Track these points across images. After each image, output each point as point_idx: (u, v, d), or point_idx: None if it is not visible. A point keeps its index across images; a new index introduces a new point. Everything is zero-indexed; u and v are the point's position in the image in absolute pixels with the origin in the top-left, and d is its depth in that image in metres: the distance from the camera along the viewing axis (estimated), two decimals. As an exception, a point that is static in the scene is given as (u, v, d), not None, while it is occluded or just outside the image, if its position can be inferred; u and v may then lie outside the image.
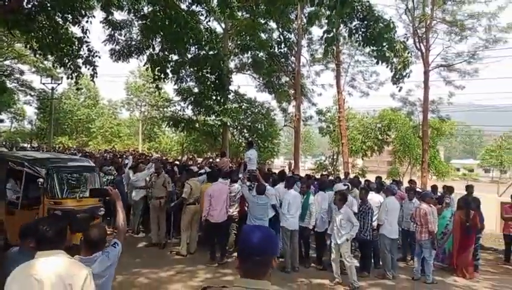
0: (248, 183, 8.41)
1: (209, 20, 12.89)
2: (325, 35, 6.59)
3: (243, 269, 1.60)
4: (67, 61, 11.07)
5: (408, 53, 8.93)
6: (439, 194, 9.61)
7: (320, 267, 7.67)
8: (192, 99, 18.26)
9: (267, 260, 1.60)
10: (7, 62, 30.64)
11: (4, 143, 40.08)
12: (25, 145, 38.15)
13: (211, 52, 10.56)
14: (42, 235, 2.42)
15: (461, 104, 30.13)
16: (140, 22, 12.79)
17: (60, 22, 10.35)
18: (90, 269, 2.44)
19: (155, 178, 8.88)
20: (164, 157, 24.31)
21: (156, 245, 8.55)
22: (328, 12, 6.75)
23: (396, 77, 8.88)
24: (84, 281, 2.32)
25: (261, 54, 19.51)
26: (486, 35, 18.37)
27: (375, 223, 7.34)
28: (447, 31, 19.37)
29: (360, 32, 8.49)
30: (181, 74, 14.50)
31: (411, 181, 11.20)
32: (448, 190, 9.46)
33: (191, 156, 22.06)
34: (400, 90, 9.11)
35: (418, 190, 9.87)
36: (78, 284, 2.30)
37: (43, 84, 30.99)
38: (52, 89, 30.92)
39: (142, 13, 12.14)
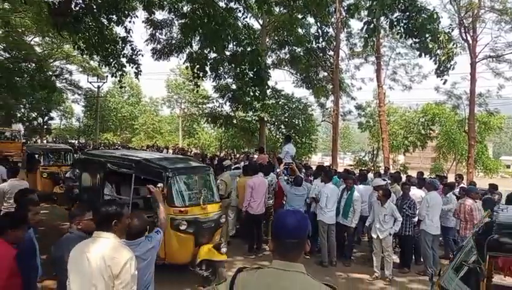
0: (285, 177, 8.50)
1: (247, 17, 13.02)
2: (366, 26, 6.47)
3: (277, 251, 1.65)
4: (111, 60, 11.53)
5: (453, 44, 8.58)
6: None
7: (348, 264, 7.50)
8: (230, 95, 18.52)
9: (300, 242, 1.64)
10: (56, 63, 32.40)
11: (55, 139, 42.51)
12: (73, 141, 40.20)
13: (248, 49, 10.63)
14: (98, 215, 2.63)
15: (512, 96, 28.41)
16: (180, 20, 13.15)
17: (105, 23, 10.78)
18: (133, 254, 2.56)
19: None
20: (204, 153, 24.85)
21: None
22: (368, 3, 6.63)
23: (441, 69, 8.55)
24: (123, 265, 2.43)
25: (299, 49, 19.39)
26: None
27: (415, 219, 7.15)
28: (496, 20, 18.35)
29: (402, 24, 8.23)
30: (219, 71, 14.75)
31: (459, 176, 10.81)
32: (493, 187, 9.05)
33: (230, 152, 22.40)
34: (444, 83, 8.79)
35: (462, 185, 9.48)
36: (117, 266, 2.42)
37: (90, 83, 32.60)
38: (98, 87, 32.37)
39: (181, 12, 12.46)
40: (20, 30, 21.74)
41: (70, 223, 3.28)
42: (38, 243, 3.85)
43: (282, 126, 23.52)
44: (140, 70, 11.88)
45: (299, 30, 18.45)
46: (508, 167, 55.57)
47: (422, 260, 7.38)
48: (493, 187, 9.07)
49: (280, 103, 22.44)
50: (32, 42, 26.70)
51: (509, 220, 3.27)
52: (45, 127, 38.62)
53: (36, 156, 12.45)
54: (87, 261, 2.43)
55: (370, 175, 10.94)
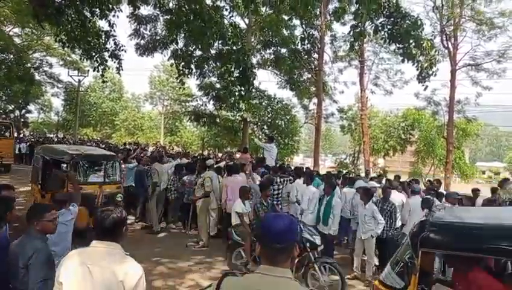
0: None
1: (233, 16, 12.97)
2: (352, 30, 6.53)
3: (264, 256, 1.61)
4: (94, 54, 11.30)
5: (435, 51, 8.76)
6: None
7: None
8: (214, 94, 18.40)
9: (288, 247, 1.60)
10: (36, 55, 31.53)
11: (32, 133, 41.42)
12: (51, 135, 39.25)
13: (234, 47, 10.59)
14: (101, 224, 2.30)
15: (489, 104, 29.20)
16: (165, 16, 12.98)
17: (88, 16, 10.56)
18: (142, 270, 2.32)
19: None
20: (186, 151, 24.65)
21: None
22: (353, 8, 6.70)
23: (422, 75, 8.73)
24: (138, 280, 2.24)
25: (283, 50, 19.44)
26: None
27: (399, 223, 7.23)
28: (476, 29, 18.82)
29: (386, 29, 8.36)
30: (204, 69, 14.63)
31: (437, 181, 11.01)
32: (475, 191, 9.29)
33: (212, 151, 22.27)
34: (425, 89, 8.98)
35: (441, 191, 9.67)
36: (131, 282, 2.20)
37: (70, 76, 31.84)
38: (79, 81, 31.69)
39: (167, 8, 12.31)
40: (-2, 20, 21.09)
41: (28, 224, 3.04)
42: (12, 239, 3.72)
43: (265, 127, 23.54)
44: (122, 66, 11.68)
45: (284, 31, 18.51)
46: (484, 172, 57.19)
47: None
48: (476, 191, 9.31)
49: (263, 103, 22.44)
50: (11, 33, 25.92)
51: (440, 219, 3.49)
52: (22, 120, 37.53)
53: (63, 166, 7.97)
54: (89, 274, 2.19)
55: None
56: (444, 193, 8.46)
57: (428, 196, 7.74)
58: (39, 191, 8.27)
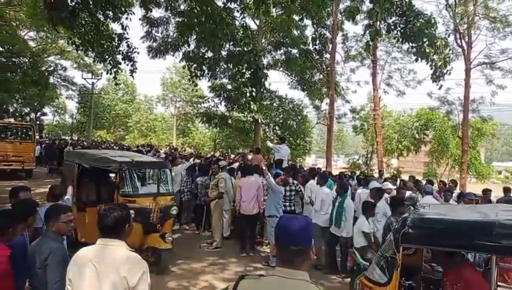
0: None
1: (244, 17, 12.98)
2: (368, 30, 6.46)
3: (280, 258, 1.61)
4: (107, 57, 11.40)
5: (449, 50, 8.62)
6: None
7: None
8: (226, 95, 18.45)
9: (304, 249, 1.59)
10: (51, 58, 32.03)
11: (47, 136, 42.12)
12: (65, 138, 39.84)
13: (246, 48, 10.59)
14: (103, 221, 2.38)
15: (504, 103, 28.67)
16: (176, 19, 13.08)
17: (101, 19, 10.68)
18: (147, 265, 2.39)
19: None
20: (199, 152, 24.77)
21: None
22: (365, 8, 6.65)
23: (437, 74, 8.60)
24: (141, 275, 2.28)
25: (294, 50, 19.39)
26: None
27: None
28: (490, 27, 18.50)
29: (399, 28, 8.27)
30: (216, 71, 14.68)
31: (452, 181, 10.85)
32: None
33: (225, 152, 22.31)
34: (440, 88, 8.81)
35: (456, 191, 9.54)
36: (134, 278, 2.26)
37: (84, 79, 32.25)
38: (92, 84, 32.08)
39: (178, 10, 12.39)
40: (14, 24, 21.46)
41: (46, 225, 3.12)
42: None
43: (277, 127, 23.50)
44: (135, 68, 11.77)
45: (294, 31, 18.46)
46: (500, 173, 56.10)
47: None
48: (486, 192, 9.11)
49: (274, 104, 22.39)
50: (26, 37, 26.41)
51: (421, 215, 3.55)
52: (37, 122, 38.21)
53: (111, 176, 7.51)
54: (95, 272, 2.26)
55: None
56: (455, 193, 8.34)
57: (413, 194, 7.68)
58: (75, 205, 6.80)
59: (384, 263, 3.45)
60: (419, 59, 8.62)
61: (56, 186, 5.35)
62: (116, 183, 6.73)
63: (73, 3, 9.62)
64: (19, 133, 16.26)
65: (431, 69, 8.62)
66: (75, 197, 6.95)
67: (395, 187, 8.26)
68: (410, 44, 8.67)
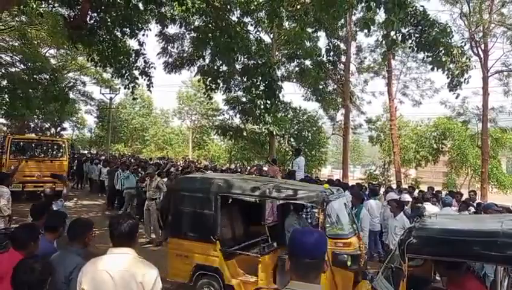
0: None
1: (258, 31, 13.13)
2: (385, 40, 6.44)
3: (295, 271, 1.60)
4: (124, 72, 11.67)
5: (466, 58, 8.52)
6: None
7: None
8: (240, 108, 18.58)
9: (318, 262, 1.60)
10: (70, 74, 32.93)
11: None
12: (84, 152, 40.53)
13: (260, 61, 10.70)
14: (116, 231, 2.47)
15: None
16: (191, 34, 13.33)
17: (119, 36, 10.97)
18: (157, 271, 2.49)
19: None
20: (215, 165, 24.87)
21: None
22: (378, 18, 6.64)
23: (454, 83, 8.49)
24: (155, 280, 2.39)
25: (308, 62, 19.45)
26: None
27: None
28: (507, 35, 18.20)
29: (414, 38, 8.24)
30: (230, 84, 14.83)
31: (473, 192, 10.62)
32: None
33: (240, 164, 22.36)
34: (457, 97, 8.70)
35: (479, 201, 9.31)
36: (149, 283, 2.36)
37: (103, 94, 32.96)
38: (111, 99, 32.72)
39: (193, 26, 12.64)
40: (35, 42, 22.16)
41: (71, 240, 3.16)
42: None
43: (292, 139, 23.48)
44: (152, 83, 11.98)
45: (307, 43, 18.56)
46: (522, 182, 54.37)
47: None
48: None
49: (289, 115, 22.42)
50: (47, 54, 27.21)
51: (426, 225, 3.55)
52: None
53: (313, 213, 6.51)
54: (110, 279, 2.33)
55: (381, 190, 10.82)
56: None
57: (420, 204, 7.58)
58: (220, 252, 5.20)
59: (391, 274, 3.44)
60: (436, 68, 8.54)
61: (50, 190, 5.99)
62: (317, 220, 5.12)
63: (92, 21, 9.93)
64: (50, 150, 14.94)
65: (447, 78, 8.53)
66: (218, 239, 5.20)
67: (412, 200, 8.11)
68: (426, 53, 8.61)
